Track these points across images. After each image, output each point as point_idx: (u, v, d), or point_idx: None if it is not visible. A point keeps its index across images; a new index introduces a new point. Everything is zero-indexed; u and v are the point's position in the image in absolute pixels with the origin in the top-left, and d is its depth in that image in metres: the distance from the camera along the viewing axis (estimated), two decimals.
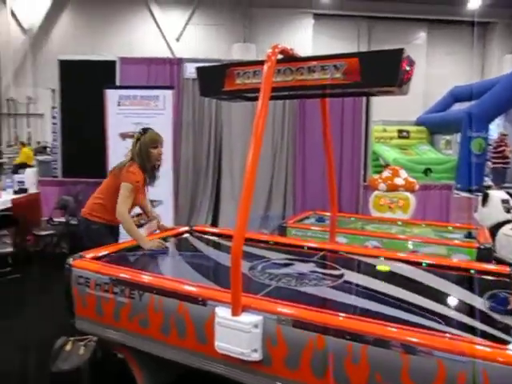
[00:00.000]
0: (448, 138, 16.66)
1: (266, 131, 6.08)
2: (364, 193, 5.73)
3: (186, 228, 3.48)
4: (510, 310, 1.96)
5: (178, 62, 6.13)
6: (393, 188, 4.77)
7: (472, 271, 2.58)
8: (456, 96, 16.48)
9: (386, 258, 2.78)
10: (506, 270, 2.53)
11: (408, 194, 4.77)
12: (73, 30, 19.68)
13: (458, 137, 14.46)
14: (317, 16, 21.13)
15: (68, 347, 2.97)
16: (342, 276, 2.43)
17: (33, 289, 4.41)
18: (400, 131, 15.46)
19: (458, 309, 2.06)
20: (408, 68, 2.05)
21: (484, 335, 1.73)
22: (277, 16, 20.96)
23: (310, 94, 2.41)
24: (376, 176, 5.14)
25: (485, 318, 1.93)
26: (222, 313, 1.95)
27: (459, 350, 1.57)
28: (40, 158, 13.33)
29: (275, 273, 2.47)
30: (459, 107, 15.53)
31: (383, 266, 2.59)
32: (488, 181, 13.76)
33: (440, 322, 1.84)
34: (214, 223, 5.89)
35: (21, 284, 4.48)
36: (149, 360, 2.50)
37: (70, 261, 2.53)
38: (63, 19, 19.95)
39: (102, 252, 2.71)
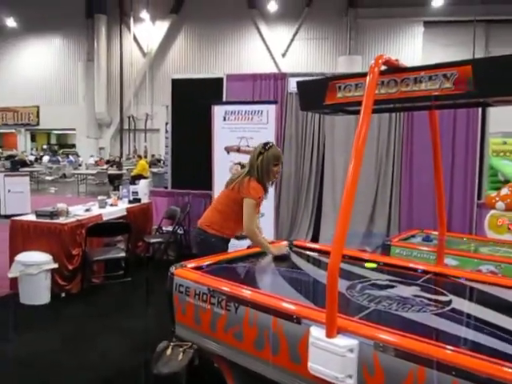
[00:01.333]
0: None
1: (370, 144, 5.91)
2: (478, 211, 5.26)
3: (286, 242, 3.46)
4: None
5: (282, 77, 6.21)
6: None
7: None
8: None
9: (503, 287, 2.49)
10: None
11: None
12: (186, 52, 21.08)
13: None
14: (427, 23, 20.20)
15: (169, 351, 3.09)
16: (449, 303, 2.22)
17: (142, 292, 4.70)
18: None
19: None
20: None
21: None
22: (384, 26, 20.44)
23: (416, 107, 2.26)
24: (493, 193, 4.69)
25: None
26: (317, 333, 1.88)
27: None
28: (154, 169, 14.35)
29: (375, 294, 2.33)
30: None
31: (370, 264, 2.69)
32: None
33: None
34: (315, 239, 5.82)
35: (132, 287, 4.80)
36: (242, 373, 2.51)
37: (173, 269, 2.64)
38: (178, 42, 21.46)
39: (204, 262, 2.79)
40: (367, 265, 2.74)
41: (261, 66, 18.66)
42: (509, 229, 4.29)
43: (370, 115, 1.92)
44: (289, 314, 2.04)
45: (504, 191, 4.51)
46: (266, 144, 3.17)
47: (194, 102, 6.36)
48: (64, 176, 18.48)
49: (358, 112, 2.06)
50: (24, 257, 4.43)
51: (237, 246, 3.39)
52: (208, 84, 6.54)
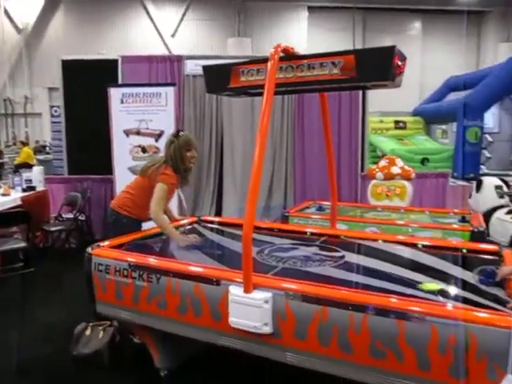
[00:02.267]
0: (444, 127, 16.84)
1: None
2: (362, 182, 5.91)
3: (194, 218, 3.67)
4: (496, 282, 2.15)
5: (178, 59, 6.28)
6: (390, 177, 4.95)
7: (464, 250, 2.78)
8: (451, 86, 16.64)
9: (384, 241, 2.97)
10: (494, 248, 2.72)
11: (405, 182, 4.95)
12: (66, 29, 19.74)
13: (453, 126, 14.65)
14: (311, 8, 21.22)
15: (88, 332, 3.16)
16: (343, 257, 2.62)
17: (47, 281, 4.59)
18: (396, 122, 15.62)
19: (450, 282, 2.25)
20: (400, 63, 2.22)
21: (473, 303, 1.93)
22: (271, 9, 21.05)
23: (310, 89, 2.58)
24: (373, 166, 5.32)
25: (474, 290, 2.12)
26: (235, 291, 2.14)
27: (449, 315, 1.76)
28: (40, 157, 13.46)
29: (281, 256, 2.66)
30: (455, 97, 15.70)
31: (432, 285, 2.17)
32: (484, 169, 13.99)
33: (433, 294, 2.03)
34: (218, 214, 6.08)
35: (34, 278, 4.64)
36: (165, 341, 2.70)
37: (90, 249, 2.72)
38: (57, 18, 19.99)
39: (119, 241, 2.90)
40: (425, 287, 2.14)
41: (150, 46, 18.23)
42: (387, 195, 4.93)
43: (272, 97, 2.19)
44: (209, 278, 2.27)
45: (382, 163, 5.15)
46: (176, 132, 3.33)
47: (88, 84, 6.18)
48: None
49: (259, 94, 2.33)
50: None
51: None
52: (101, 65, 6.37)
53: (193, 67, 6.01)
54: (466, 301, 1.95)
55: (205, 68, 2.67)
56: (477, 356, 1.71)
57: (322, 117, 2.94)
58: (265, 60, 2.31)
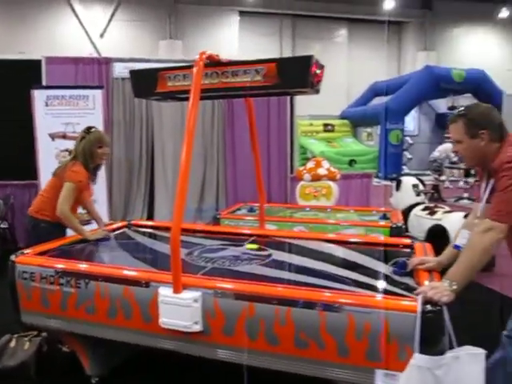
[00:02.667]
0: (369, 130, 17.76)
1: (197, 129, 6.31)
2: (291, 184, 6.12)
3: (125, 223, 3.64)
4: (407, 272, 2.36)
5: (106, 62, 6.15)
6: (317, 178, 5.19)
7: (381, 245, 3.00)
8: (375, 91, 17.58)
9: (309, 239, 3.14)
10: (408, 242, 2.97)
11: (331, 183, 5.21)
12: None
13: (378, 129, 15.50)
14: (242, 13, 21.48)
15: (12, 344, 3.04)
16: (270, 256, 2.74)
17: None
18: (325, 125, 16.22)
19: (367, 274, 2.43)
20: (318, 71, 2.38)
21: (386, 292, 2.11)
22: (203, 13, 21.07)
23: (235, 95, 2.68)
24: (301, 167, 5.54)
25: (388, 280, 2.32)
26: (165, 292, 2.18)
27: (363, 304, 1.92)
28: None
29: (211, 256, 2.73)
30: (379, 101, 16.61)
31: (251, 245, 2.93)
32: (406, 169, 14.91)
33: (350, 285, 2.20)
34: (150, 217, 6.03)
35: None
36: (95, 347, 2.68)
37: (13, 257, 2.63)
38: None
39: (44, 248, 2.83)
40: (248, 246, 2.92)
41: (78, 47, 17.57)
42: (314, 196, 5.16)
43: (198, 101, 2.26)
44: (138, 281, 2.29)
45: (309, 164, 5.38)
46: (88, 128, 3.29)
47: (9, 86, 5.89)
48: None
49: (186, 99, 2.39)
50: None
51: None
52: (24, 66, 6.09)
53: (121, 70, 5.92)
54: (379, 290, 2.13)
55: (132, 73, 2.69)
56: (389, 339, 1.88)
57: (249, 121, 3.05)
58: (190, 66, 2.39)
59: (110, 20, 20.29)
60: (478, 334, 2.57)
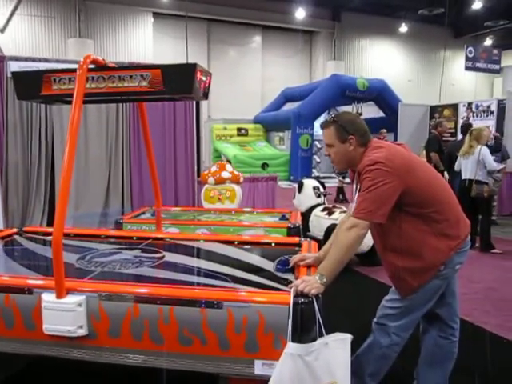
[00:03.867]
0: (281, 134, 18.34)
1: (100, 132, 6.21)
2: (198, 187, 6.18)
3: (15, 230, 3.49)
4: (288, 269, 2.53)
5: (0, 60, 5.81)
6: (220, 181, 5.30)
7: (272, 244, 3.17)
8: (287, 96, 18.22)
9: (205, 240, 3.23)
10: (295, 240, 3.16)
11: (234, 186, 5.35)
12: None
13: (289, 134, 16.09)
14: (156, 15, 21.19)
15: None
16: (162, 257, 2.80)
17: None
18: (239, 129, 16.53)
19: (253, 272, 2.56)
20: (204, 78, 2.48)
21: (267, 288, 2.25)
22: (115, 12, 20.50)
23: (123, 99, 2.70)
24: (205, 171, 5.64)
25: (271, 276, 2.47)
26: (48, 297, 2.15)
27: (240, 299, 2.04)
28: None
29: (101, 261, 2.72)
30: (290, 107, 17.22)
31: None
32: (315, 172, 15.60)
33: (233, 282, 2.32)
34: (50, 224, 5.77)
35: None
36: None
37: None
38: None
39: None
40: None
41: None
42: (219, 199, 5.27)
43: (81, 105, 2.26)
44: (20, 287, 2.24)
45: (213, 168, 5.48)
46: None
47: None
48: None
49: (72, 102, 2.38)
50: None
51: None
52: None
53: (16, 69, 5.61)
54: (260, 286, 2.27)
55: (14, 74, 2.61)
56: (265, 331, 2.02)
57: (141, 125, 3.08)
58: (76, 70, 2.37)
59: (11, 14, 19.01)
60: (359, 322, 2.83)
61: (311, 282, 2.07)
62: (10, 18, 18.91)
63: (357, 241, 2.16)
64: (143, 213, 4.94)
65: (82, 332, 2.15)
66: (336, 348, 2.01)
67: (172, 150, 6.14)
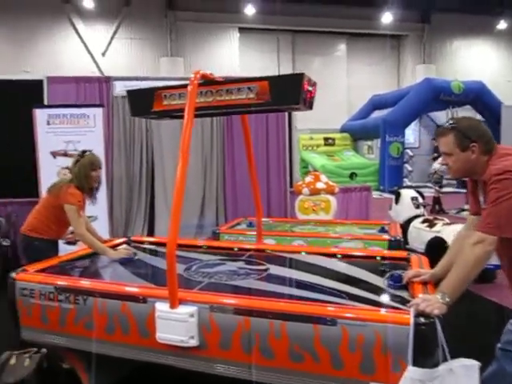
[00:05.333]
0: (370, 143, 17.84)
1: (195, 145, 6.40)
2: (291, 198, 6.15)
3: (124, 239, 3.68)
4: (402, 286, 2.38)
5: (106, 80, 6.26)
6: (315, 192, 5.22)
7: (378, 258, 3.02)
8: (375, 104, 17.72)
9: (307, 253, 3.16)
10: (403, 254, 2.99)
11: (329, 197, 5.24)
12: None
13: (378, 142, 15.60)
14: (242, 30, 21.74)
15: (13, 361, 3.06)
16: (267, 270, 2.77)
17: None
18: (326, 139, 16.35)
19: (363, 287, 2.45)
20: (310, 88, 2.43)
21: (381, 305, 2.13)
22: (203, 30, 21.34)
23: (229, 112, 2.74)
24: (300, 182, 5.59)
25: (383, 293, 2.34)
26: (161, 307, 2.21)
27: (356, 318, 1.94)
28: None
29: (208, 271, 2.76)
30: (379, 114, 16.72)
31: None
32: (407, 181, 14.94)
33: (345, 298, 2.22)
34: (151, 234, 6.07)
35: None
36: (94, 362, 2.69)
37: (13, 275, 2.67)
38: None
39: (43, 265, 2.86)
40: None
41: (80, 66, 17.80)
42: (313, 210, 5.20)
43: (192, 119, 2.32)
44: (135, 296, 2.32)
45: (308, 179, 5.43)
46: (83, 152, 3.39)
47: (12, 105, 5.99)
48: None
49: (182, 117, 2.45)
50: None
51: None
52: (26, 86, 6.20)
53: (121, 88, 6.02)
54: (375, 303, 2.15)
55: (129, 92, 2.75)
56: (382, 352, 1.90)
57: (244, 137, 3.10)
58: (186, 85, 2.45)
59: (111, 38, 20.57)
60: (475, 346, 2.58)
61: (432, 302, 1.91)
62: (110, 43, 20.49)
63: (484, 257, 1.97)
64: (238, 223, 5.00)
65: (194, 342, 2.17)
66: (462, 375, 1.84)
67: (264, 160, 6.18)
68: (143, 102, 2.67)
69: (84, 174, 3.22)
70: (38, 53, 18.71)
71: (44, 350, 3.06)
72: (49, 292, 2.52)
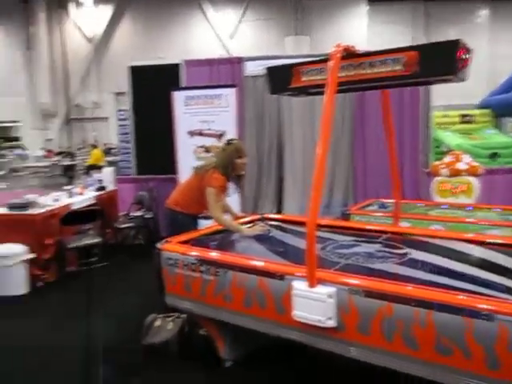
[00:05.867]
0: None
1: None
2: (426, 179, 5.75)
3: (258, 216, 3.77)
4: None
5: (238, 61, 6.42)
6: (455, 173, 4.80)
7: None
8: None
9: (449, 239, 2.91)
10: None
11: (471, 179, 4.78)
12: (131, 37, 20.63)
13: None
14: (371, 2, 20.75)
15: (157, 323, 3.34)
16: (406, 254, 2.61)
17: (119, 275, 4.86)
18: (463, 116, 14.92)
19: None
20: (465, 56, 2.18)
21: None
22: (329, 6, 20.85)
23: (371, 86, 2.59)
24: (438, 162, 5.17)
25: None
26: (299, 285, 2.20)
27: None
28: (109, 158, 14.19)
29: (344, 252, 2.68)
30: None
31: None
32: None
33: (501, 291, 1.99)
34: (279, 213, 6.15)
35: (107, 271, 4.95)
36: (231, 333, 2.82)
37: (159, 245, 2.88)
38: (122, 27, 20.97)
39: (186, 237, 3.04)
40: None
41: (209, 49, 18.62)
42: (452, 192, 4.78)
43: (334, 95, 2.23)
44: (273, 273, 2.35)
45: (447, 159, 5.00)
46: (229, 140, 3.53)
47: (153, 88, 6.47)
48: (12, 170, 17.82)
49: (319, 93, 2.37)
50: None
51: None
52: (165, 70, 6.65)
53: (252, 68, 6.13)
54: None
55: (268, 69, 2.74)
56: None
57: (384, 114, 2.92)
58: (325, 60, 2.36)
59: (239, 21, 21.13)
60: None
61: None
62: (237, 25, 21.07)
63: None
64: (370, 205, 4.81)
65: (331, 323, 2.13)
66: None
67: (397, 139, 5.84)
68: (282, 78, 2.65)
69: (229, 162, 3.34)
70: (170, 40, 20.00)
71: (185, 316, 3.29)
72: (191, 263, 2.68)
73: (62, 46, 21.55)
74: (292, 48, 19.77)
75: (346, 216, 4.33)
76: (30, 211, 4.71)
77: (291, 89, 2.62)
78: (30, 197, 4.86)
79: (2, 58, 21.54)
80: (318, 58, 2.47)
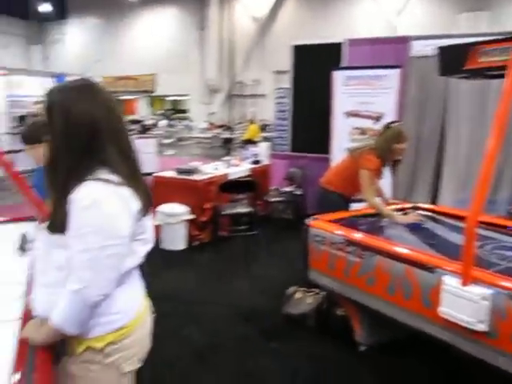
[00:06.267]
0: None
1: (491, 111, 5.54)
2: None
3: (411, 204, 3.61)
4: None
5: (404, 41, 6.08)
6: None
7: None
8: None
9: None
10: None
11: None
12: (294, 17, 20.94)
13: None
14: None
15: (298, 295, 3.47)
16: None
17: (267, 244, 5.10)
18: None
19: None
20: None
21: None
22: None
23: None
24: None
25: None
26: (450, 281, 2.08)
27: None
28: (264, 134, 14.82)
29: (505, 254, 2.44)
30: None
31: None
32: None
33: None
34: (433, 202, 5.76)
35: (256, 240, 5.23)
36: (368, 317, 2.79)
37: (309, 221, 2.96)
38: (287, 6, 21.38)
39: (335, 217, 3.07)
40: None
41: (374, 28, 17.95)
42: None
43: None
44: (423, 264, 2.25)
45: None
46: (389, 123, 3.41)
47: (314, 68, 6.52)
48: (179, 139, 19.78)
49: (500, 76, 2.14)
50: (165, 208, 5.06)
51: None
52: (327, 49, 6.62)
53: (419, 48, 5.74)
54: None
55: (441, 49, 2.58)
56: None
57: None
58: (510, 38, 2.12)
59: None
60: None
61: None
62: (407, 1, 19.88)
63: None
64: None
65: (482, 327, 1.98)
66: None
67: None
68: (455, 59, 2.46)
69: (387, 146, 3.26)
70: (334, 19, 19.77)
71: (325, 294, 3.36)
72: (338, 242, 2.70)
73: (230, 26, 22.90)
74: (467, 25, 17.99)
75: (511, 215, 3.91)
76: (195, 177, 5.22)
77: (465, 70, 2.42)
78: (194, 164, 5.38)
79: (179, 38, 23.85)
80: (500, 37, 2.22)
